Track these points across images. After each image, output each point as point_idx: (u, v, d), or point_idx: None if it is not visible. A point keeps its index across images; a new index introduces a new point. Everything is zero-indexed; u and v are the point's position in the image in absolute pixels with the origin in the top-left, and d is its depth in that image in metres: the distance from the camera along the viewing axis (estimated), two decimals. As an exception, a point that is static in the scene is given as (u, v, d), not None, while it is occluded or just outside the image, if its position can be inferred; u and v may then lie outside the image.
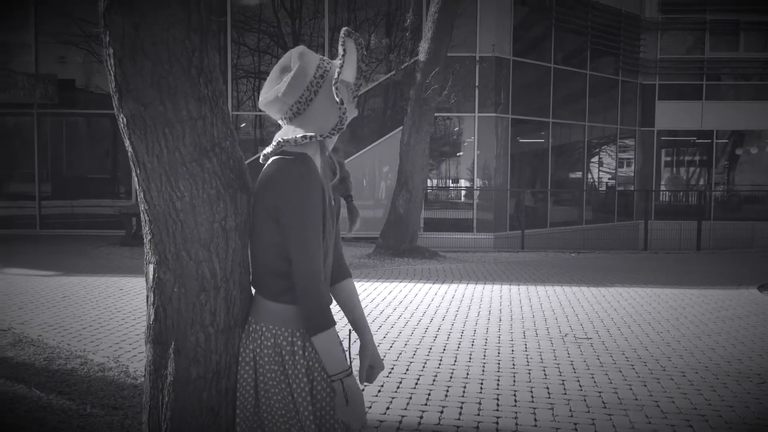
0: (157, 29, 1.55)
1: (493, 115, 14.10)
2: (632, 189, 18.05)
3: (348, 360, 1.76)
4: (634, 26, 17.37)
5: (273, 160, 1.75)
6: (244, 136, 14.60)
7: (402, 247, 10.72)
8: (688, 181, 18.86)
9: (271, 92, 1.79)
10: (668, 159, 19.03)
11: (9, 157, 14.36)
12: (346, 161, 12.36)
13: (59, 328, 5.52)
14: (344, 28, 1.76)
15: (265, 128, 14.68)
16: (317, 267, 1.67)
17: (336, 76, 1.71)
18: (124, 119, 1.66)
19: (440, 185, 15.23)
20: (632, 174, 18.44)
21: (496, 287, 7.97)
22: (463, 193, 14.80)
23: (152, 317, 1.75)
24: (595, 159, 17.65)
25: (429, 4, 10.88)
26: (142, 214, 1.75)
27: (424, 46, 10.48)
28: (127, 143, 1.71)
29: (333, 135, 1.73)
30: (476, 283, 8.24)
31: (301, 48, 1.82)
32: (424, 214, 13.83)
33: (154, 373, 1.75)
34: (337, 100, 1.70)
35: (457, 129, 14.91)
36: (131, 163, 1.73)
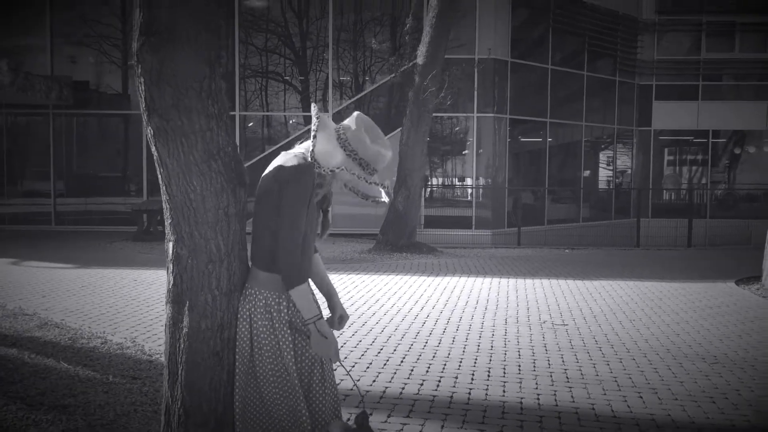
0: (177, 64, 2.06)
1: (492, 115, 14.57)
2: (628, 188, 18.47)
3: (318, 308, 2.28)
4: (632, 27, 17.78)
5: (293, 157, 2.27)
6: (251, 135, 15.12)
7: (401, 243, 11.22)
8: (690, 180, 19.24)
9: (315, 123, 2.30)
10: (665, 158, 19.44)
11: (25, 156, 14.96)
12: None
13: (80, 314, 6.04)
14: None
15: (272, 127, 15.20)
16: (297, 238, 2.21)
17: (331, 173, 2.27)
18: (152, 130, 2.17)
19: (440, 183, 15.71)
20: (629, 173, 18.86)
21: (487, 280, 8.45)
22: (463, 191, 15.28)
23: (171, 283, 2.26)
24: (593, 158, 18.09)
25: (428, 8, 11.33)
26: (164, 203, 2.26)
27: (422, 50, 10.96)
28: (153, 149, 2.22)
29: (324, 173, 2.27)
30: (468, 276, 8.72)
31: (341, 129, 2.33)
32: (424, 212, 14.33)
33: (173, 327, 2.27)
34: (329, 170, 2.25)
35: (457, 129, 15.38)
36: (156, 164, 2.24)
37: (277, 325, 2.23)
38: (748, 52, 18.33)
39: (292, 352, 2.22)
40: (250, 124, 15.05)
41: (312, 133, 2.25)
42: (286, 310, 2.24)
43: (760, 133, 18.83)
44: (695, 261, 11.04)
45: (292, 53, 14.91)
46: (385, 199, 2.32)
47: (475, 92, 14.01)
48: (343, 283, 7.96)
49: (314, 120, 2.26)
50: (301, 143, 2.37)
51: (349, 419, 2.44)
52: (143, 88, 2.10)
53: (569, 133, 16.96)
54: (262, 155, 14.43)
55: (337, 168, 2.22)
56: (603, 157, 18.39)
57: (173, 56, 2.04)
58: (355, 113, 2.36)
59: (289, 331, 2.23)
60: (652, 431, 3.57)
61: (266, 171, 2.31)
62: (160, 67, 2.05)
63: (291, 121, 15.07)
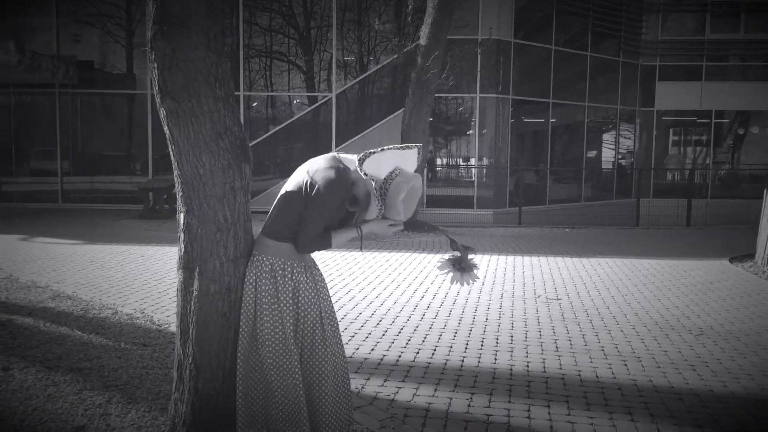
0: (187, 51, 2.26)
1: (495, 95, 14.67)
2: (629, 168, 18.58)
3: (357, 230, 2.58)
4: (636, 8, 17.75)
5: (342, 168, 2.48)
6: (255, 115, 15.26)
7: (402, 221, 11.39)
8: (694, 161, 19.32)
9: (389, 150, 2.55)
10: (669, 139, 19.51)
11: (32, 135, 15.16)
12: (354, 138, 12.95)
13: (90, 287, 6.28)
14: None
15: (276, 107, 15.34)
16: (319, 231, 2.46)
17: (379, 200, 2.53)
18: (164, 111, 2.37)
19: (443, 163, 15.85)
20: (632, 153, 18.96)
21: (486, 257, 8.66)
22: (466, 170, 15.43)
23: (183, 250, 2.48)
24: (595, 139, 18.18)
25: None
26: (175, 178, 2.47)
27: (424, 31, 11.06)
28: (165, 128, 2.42)
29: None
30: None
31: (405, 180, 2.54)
32: (427, 191, 14.50)
33: (184, 290, 2.48)
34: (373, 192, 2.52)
35: (460, 109, 15.48)
36: (168, 142, 2.44)
37: (281, 289, 2.44)
38: (752, 33, 18.30)
39: (292, 315, 2.44)
40: (255, 103, 15.18)
41: (394, 146, 2.50)
42: (290, 276, 2.46)
43: (764, 114, 18.86)
44: (692, 239, 11.22)
45: (296, 33, 14.99)
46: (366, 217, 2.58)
47: (478, 73, 14.10)
48: (345, 259, 8.19)
49: (408, 146, 2.52)
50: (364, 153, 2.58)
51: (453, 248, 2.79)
52: (156, 72, 2.30)
53: (572, 114, 17.04)
54: (266, 134, 14.60)
55: (366, 176, 2.46)
56: (606, 137, 18.47)
57: (184, 44, 2.24)
58: (418, 175, 2.59)
59: (291, 295, 2.45)
60: (633, 395, 3.80)
61: (312, 162, 2.51)
62: (172, 54, 2.25)
63: (295, 101, 15.21)
